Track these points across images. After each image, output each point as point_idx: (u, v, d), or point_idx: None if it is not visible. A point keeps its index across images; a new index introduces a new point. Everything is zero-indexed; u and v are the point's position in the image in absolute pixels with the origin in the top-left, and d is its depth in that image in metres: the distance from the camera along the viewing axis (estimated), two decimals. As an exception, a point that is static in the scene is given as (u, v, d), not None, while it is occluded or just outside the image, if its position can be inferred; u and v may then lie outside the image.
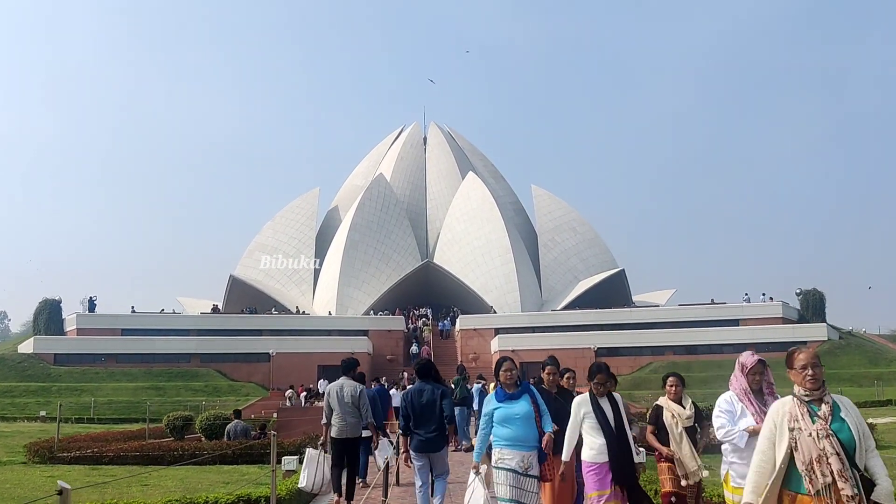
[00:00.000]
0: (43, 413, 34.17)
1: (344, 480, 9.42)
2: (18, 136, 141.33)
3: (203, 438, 20.01)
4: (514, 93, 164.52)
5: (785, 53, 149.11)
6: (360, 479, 11.02)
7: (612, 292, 59.36)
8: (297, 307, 58.55)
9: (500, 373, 6.91)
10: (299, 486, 9.71)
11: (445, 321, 54.80)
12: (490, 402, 6.89)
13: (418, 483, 7.96)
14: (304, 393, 33.74)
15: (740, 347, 40.05)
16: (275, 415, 25.39)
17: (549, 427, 6.83)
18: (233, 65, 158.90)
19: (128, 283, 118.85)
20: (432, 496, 8.09)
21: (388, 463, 10.08)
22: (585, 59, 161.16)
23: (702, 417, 7.45)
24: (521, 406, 6.75)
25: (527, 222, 72.96)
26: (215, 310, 55.51)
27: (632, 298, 62.06)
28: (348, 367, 9.74)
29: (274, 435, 9.28)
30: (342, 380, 9.58)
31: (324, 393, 26.35)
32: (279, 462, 10.09)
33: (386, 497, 9.77)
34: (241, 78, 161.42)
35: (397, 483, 11.48)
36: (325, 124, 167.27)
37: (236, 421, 17.46)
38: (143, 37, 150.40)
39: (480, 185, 67.87)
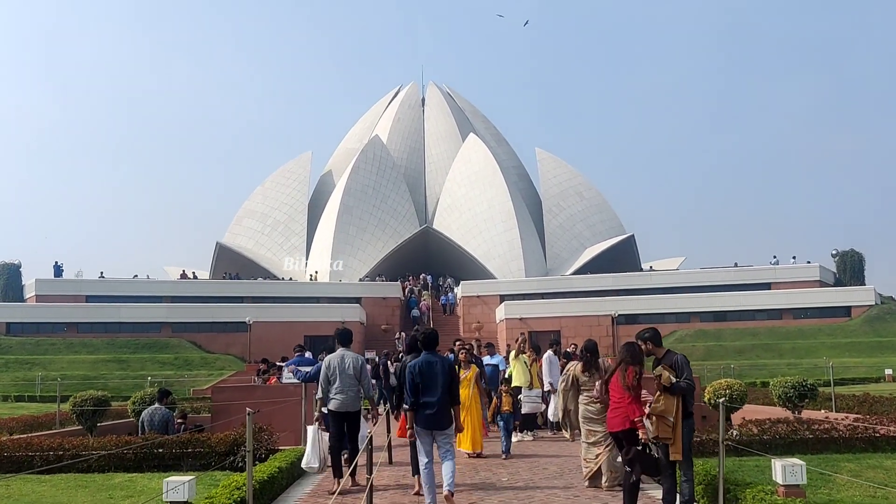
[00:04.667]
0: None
1: (345, 457, 9.15)
2: None
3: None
4: (517, 53, 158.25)
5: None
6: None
7: (621, 260, 56.28)
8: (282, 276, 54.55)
9: None
10: (304, 465, 9.24)
11: (449, 295, 50.43)
12: None
13: (423, 460, 7.63)
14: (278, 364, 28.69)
15: (774, 314, 34.96)
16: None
17: None
18: (218, 23, 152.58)
19: (112, 253, 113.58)
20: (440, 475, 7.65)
21: (370, 438, 9.46)
22: (591, 15, 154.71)
23: None
24: None
25: (530, 187, 70.34)
26: (184, 276, 51.21)
27: (641, 266, 58.28)
28: (347, 338, 9.39)
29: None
30: (341, 351, 9.20)
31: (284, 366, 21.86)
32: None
33: (371, 474, 8.65)
34: (227, 36, 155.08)
35: (390, 462, 10.88)
36: (317, 84, 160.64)
37: (156, 406, 12.30)
38: (125, 3, 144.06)
39: (482, 147, 64.55)
